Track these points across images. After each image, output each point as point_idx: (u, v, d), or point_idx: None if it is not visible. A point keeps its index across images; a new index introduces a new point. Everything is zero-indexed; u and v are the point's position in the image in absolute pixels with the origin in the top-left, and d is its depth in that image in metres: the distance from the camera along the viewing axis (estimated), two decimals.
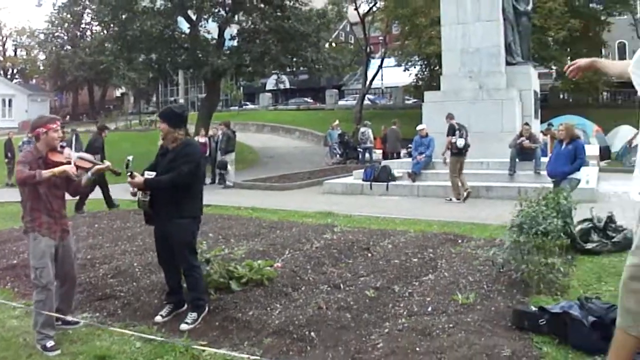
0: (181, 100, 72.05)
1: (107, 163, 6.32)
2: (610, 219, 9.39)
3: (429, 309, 6.18)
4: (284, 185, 21.32)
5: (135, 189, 6.10)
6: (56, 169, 5.62)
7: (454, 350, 4.98)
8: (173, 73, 39.14)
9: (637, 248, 3.21)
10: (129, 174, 6.03)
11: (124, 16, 30.53)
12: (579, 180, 11.90)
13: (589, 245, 8.84)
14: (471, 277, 7.21)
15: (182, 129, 6.30)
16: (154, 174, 6.11)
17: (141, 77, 39.21)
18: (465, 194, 15.93)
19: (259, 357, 4.79)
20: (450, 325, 5.57)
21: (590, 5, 44.82)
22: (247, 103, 70.82)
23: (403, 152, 28.69)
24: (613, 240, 8.95)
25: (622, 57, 62.20)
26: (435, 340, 5.27)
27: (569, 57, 40.04)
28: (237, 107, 64.07)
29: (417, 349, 5.11)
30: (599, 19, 45.42)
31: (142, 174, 6.13)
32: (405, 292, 6.89)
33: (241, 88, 62.01)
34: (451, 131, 16.31)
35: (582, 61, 3.56)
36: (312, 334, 5.64)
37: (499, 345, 5.04)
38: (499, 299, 6.37)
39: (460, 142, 15.76)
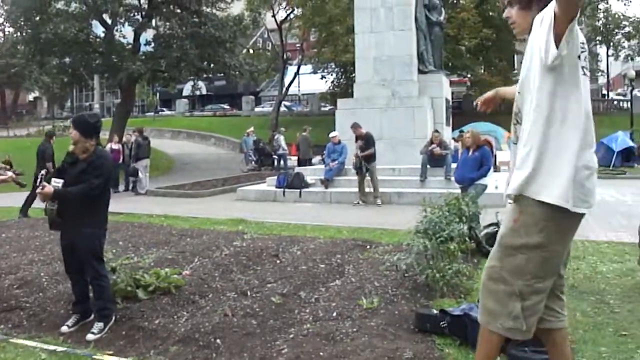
0: (96, 106, 70.86)
1: (9, 174, 6.17)
2: None
3: (334, 314, 6.22)
4: (198, 192, 21.23)
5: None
6: None
7: (357, 354, 5.03)
8: (88, 78, 38.36)
9: (494, 252, 3.37)
10: (40, 187, 5.91)
11: (37, 18, 29.86)
12: (485, 186, 12.18)
13: None
14: (377, 282, 7.31)
15: (93, 139, 6.17)
16: (61, 181, 5.99)
17: (55, 82, 38.37)
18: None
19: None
20: (354, 330, 5.63)
21: (503, 17, 46.19)
22: (163, 109, 70.28)
23: (317, 158, 28.90)
24: None
25: None
26: (339, 344, 5.32)
27: (482, 66, 41.17)
28: (152, 113, 63.35)
29: (321, 353, 5.14)
30: (511, 29, 46.83)
31: (49, 181, 6.02)
32: (312, 298, 6.93)
33: (157, 94, 61.45)
34: (360, 141, 16.68)
35: (487, 94, 3.71)
36: (218, 341, 5.62)
37: (402, 348, 5.12)
38: (402, 303, 6.49)
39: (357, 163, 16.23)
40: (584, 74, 3.25)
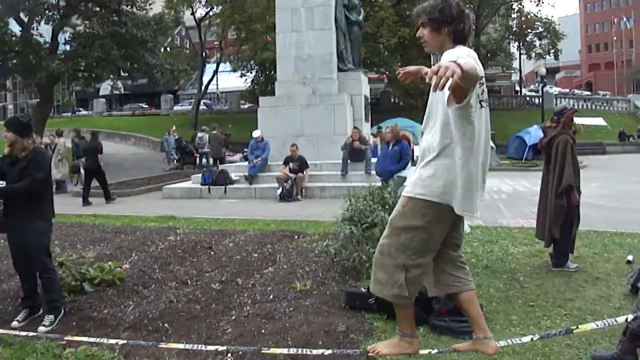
0: (10, 107, 68.91)
1: None
2: None
3: (271, 296, 6.74)
4: (124, 191, 21.22)
5: None
6: None
7: (295, 330, 5.55)
8: (3, 78, 37.35)
9: (385, 232, 3.94)
10: None
11: None
12: (405, 178, 12.77)
13: None
14: (308, 267, 7.86)
15: (29, 138, 6.41)
16: (3, 183, 6.18)
17: None
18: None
19: (115, 342, 5.08)
20: (291, 309, 6.17)
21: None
22: (80, 109, 68.75)
23: (239, 156, 29.05)
24: None
25: None
26: (278, 322, 5.83)
27: (399, 64, 42.07)
28: (70, 114, 62.06)
29: (263, 331, 5.64)
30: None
31: None
32: (248, 284, 7.41)
33: (73, 94, 60.23)
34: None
35: (411, 68, 4.17)
36: (166, 325, 6.03)
37: (335, 322, 5.68)
38: (333, 284, 7.05)
39: None
40: (482, 107, 3.81)
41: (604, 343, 5.27)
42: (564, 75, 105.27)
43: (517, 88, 69.16)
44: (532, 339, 4.05)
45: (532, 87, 77.18)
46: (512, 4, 49.22)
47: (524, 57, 57.30)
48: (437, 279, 4.04)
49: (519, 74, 64.79)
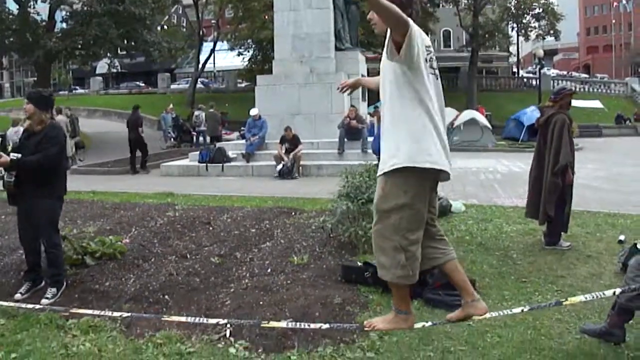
0: (7, 85, 68.67)
1: None
2: None
3: (269, 270, 6.90)
4: (122, 169, 21.30)
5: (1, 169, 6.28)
6: None
7: (292, 302, 5.69)
8: (1, 57, 37.27)
9: (374, 218, 4.08)
10: None
11: None
12: None
13: None
14: (305, 242, 8.01)
15: (48, 112, 6.53)
16: (19, 155, 6.23)
17: None
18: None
19: (119, 314, 5.22)
20: (288, 282, 6.33)
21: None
22: (77, 87, 68.57)
23: (236, 134, 29.09)
24: None
25: (446, 42, 66.43)
26: (276, 294, 5.98)
27: None
28: (66, 92, 61.89)
29: (261, 302, 5.78)
30: (425, 9, 47.93)
31: (8, 155, 6.25)
32: (247, 258, 7.56)
33: (70, 72, 60.07)
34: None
35: (349, 81, 4.32)
36: (166, 297, 6.17)
37: (331, 295, 5.82)
38: (329, 258, 7.20)
39: None
40: (433, 73, 3.98)
41: (593, 318, 5.42)
42: (561, 58, 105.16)
43: (515, 70, 69.13)
44: (522, 310, 4.19)
45: (529, 68, 77.14)
46: None
47: (522, 38, 57.16)
48: (421, 254, 4.15)
49: (516, 55, 64.72)
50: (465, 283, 4.19)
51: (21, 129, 7.53)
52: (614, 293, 4.14)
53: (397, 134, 3.92)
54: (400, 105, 3.91)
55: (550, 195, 8.01)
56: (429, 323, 4.57)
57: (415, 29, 3.74)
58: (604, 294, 4.08)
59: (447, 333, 5.11)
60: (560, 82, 53.87)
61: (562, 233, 8.21)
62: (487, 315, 4.25)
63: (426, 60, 3.89)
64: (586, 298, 4.05)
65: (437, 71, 4.00)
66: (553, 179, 7.98)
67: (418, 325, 4.39)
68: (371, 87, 4.58)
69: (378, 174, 4.06)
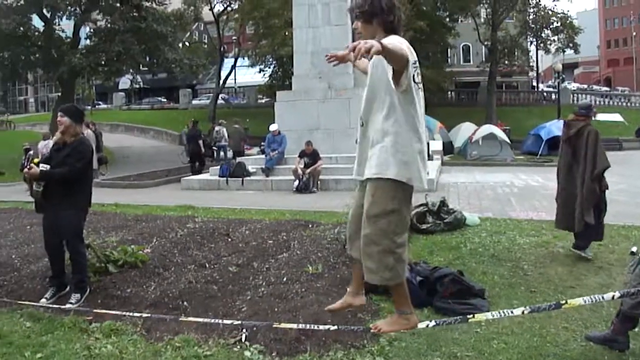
0: (31, 100, 69.50)
1: None
2: (443, 203, 10.65)
3: (284, 279, 7.12)
4: (143, 183, 21.76)
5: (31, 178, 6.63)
6: None
7: (306, 309, 5.90)
8: (27, 72, 37.95)
9: (364, 224, 4.23)
10: (27, 167, 6.62)
11: None
12: None
13: (424, 226, 10.08)
14: (320, 253, 8.21)
15: (81, 125, 6.93)
16: (48, 167, 6.60)
17: None
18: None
19: (139, 315, 5.45)
20: (303, 290, 6.54)
21: (437, 11, 47.60)
22: (99, 102, 69.41)
23: (256, 149, 29.34)
24: (445, 221, 10.25)
25: (466, 57, 66.54)
26: (291, 302, 6.19)
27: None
28: (90, 107, 62.62)
29: (276, 309, 6.00)
30: (444, 24, 48.26)
31: (37, 166, 6.62)
32: (263, 268, 7.79)
33: (93, 87, 60.81)
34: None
35: (339, 53, 4.33)
36: (185, 303, 6.42)
37: None
38: (343, 268, 7.39)
39: None
40: (418, 86, 4.11)
41: (600, 326, 5.55)
42: (582, 71, 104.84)
43: (535, 84, 69.04)
44: (522, 312, 4.34)
45: (549, 82, 76.95)
46: None
47: (542, 52, 57.15)
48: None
49: (535, 70, 64.65)
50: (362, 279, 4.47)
51: (51, 142, 7.89)
52: (613, 297, 4.28)
53: (388, 147, 4.10)
54: (397, 120, 4.08)
55: (589, 202, 8.19)
56: (433, 322, 4.73)
57: (407, 52, 3.88)
58: (603, 297, 4.22)
59: (454, 339, 5.31)
60: (580, 95, 53.85)
61: (597, 241, 8.45)
62: (488, 316, 4.46)
63: (414, 77, 4.03)
64: (585, 301, 4.19)
65: (420, 84, 4.17)
66: (592, 185, 8.16)
67: (422, 325, 4.56)
68: (360, 68, 4.70)
69: (366, 176, 4.23)
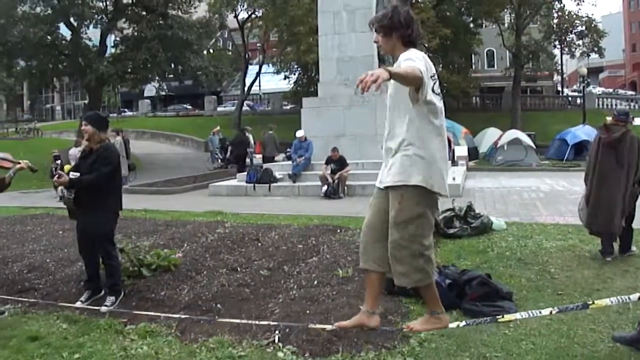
0: (58, 107, 70.25)
1: (25, 162, 6.99)
2: (470, 208, 10.76)
3: (315, 282, 7.28)
4: (171, 189, 22.01)
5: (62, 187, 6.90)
6: None
7: (337, 311, 6.03)
8: (55, 80, 38.53)
9: (391, 230, 4.38)
10: (56, 175, 6.90)
11: (2, 21, 29.98)
12: None
13: (451, 231, 10.21)
14: (349, 257, 8.34)
15: (105, 132, 7.13)
16: (77, 174, 6.82)
17: (17, 84, 38.34)
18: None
19: (174, 317, 5.63)
20: (334, 293, 6.69)
21: (461, 17, 47.62)
22: (125, 110, 69.98)
23: (282, 155, 29.49)
24: (472, 225, 10.36)
25: (490, 62, 66.37)
26: (322, 304, 6.34)
27: (440, 64, 42.27)
28: (115, 114, 63.13)
29: (307, 311, 6.15)
30: (469, 29, 48.22)
31: (68, 174, 6.88)
32: (294, 271, 7.97)
33: (119, 95, 61.37)
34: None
35: (369, 77, 3.87)
36: (219, 306, 6.60)
37: None
38: None
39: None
40: (437, 94, 4.29)
41: (627, 328, 5.61)
42: (607, 75, 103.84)
43: (560, 88, 68.65)
44: (550, 312, 4.45)
45: (575, 87, 76.45)
46: (553, 3, 48.79)
47: (567, 56, 56.83)
48: (381, 255, 4.50)
49: (560, 74, 64.30)
50: (379, 295, 4.72)
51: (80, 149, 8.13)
52: (639, 298, 4.37)
53: (411, 155, 4.29)
54: (420, 129, 4.27)
55: (630, 207, 8.46)
56: (463, 323, 4.90)
57: (423, 68, 4.04)
58: (629, 298, 4.33)
59: (483, 340, 5.42)
60: (605, 100, 53.53)
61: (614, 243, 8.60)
62: (517, 316, 4.59)
63: (433, 88, 4.20)
64: (612, 302, 4.30)
65: (440, 95, 4.35)
66: (635, 190, 8.41)
67: (452, 325, 4.73)
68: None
69: (389, 185, 4.40)
